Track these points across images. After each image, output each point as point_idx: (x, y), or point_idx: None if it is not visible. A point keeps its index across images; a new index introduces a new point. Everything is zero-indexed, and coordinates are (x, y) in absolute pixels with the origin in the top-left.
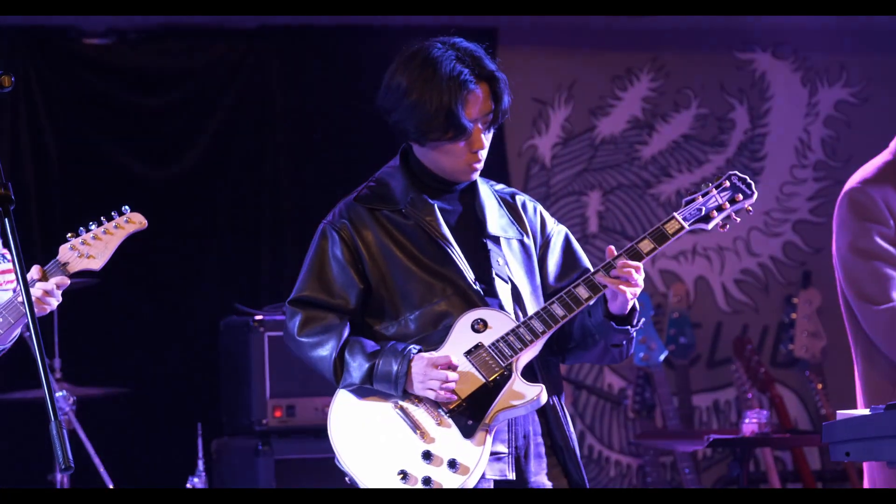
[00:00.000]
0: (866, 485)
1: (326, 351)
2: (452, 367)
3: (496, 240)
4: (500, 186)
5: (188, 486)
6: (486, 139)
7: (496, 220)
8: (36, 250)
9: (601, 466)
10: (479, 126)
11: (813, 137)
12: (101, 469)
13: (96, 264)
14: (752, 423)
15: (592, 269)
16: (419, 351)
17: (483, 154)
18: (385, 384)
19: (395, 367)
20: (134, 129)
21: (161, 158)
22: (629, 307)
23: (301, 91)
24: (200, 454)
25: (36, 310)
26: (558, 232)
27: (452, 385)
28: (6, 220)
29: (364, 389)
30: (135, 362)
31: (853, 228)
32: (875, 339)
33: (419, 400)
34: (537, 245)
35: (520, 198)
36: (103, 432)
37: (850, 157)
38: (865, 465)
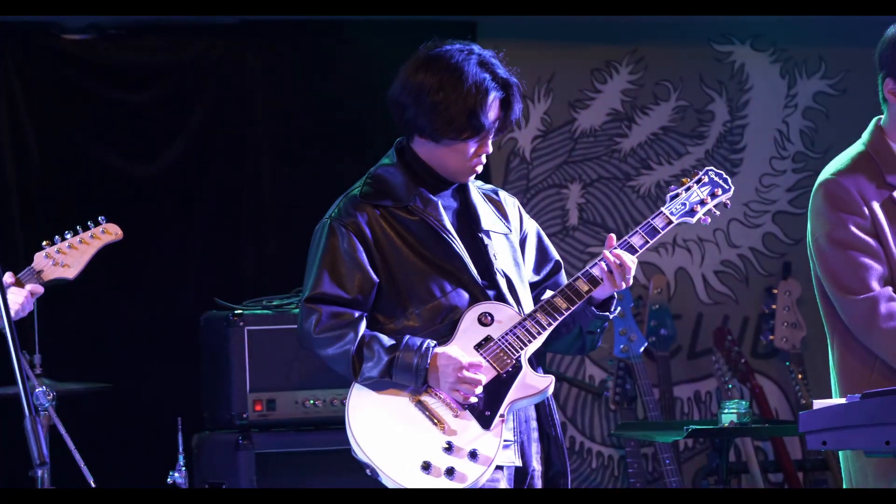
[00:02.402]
0: (844, 474)
1: (345, 347)
2: (477, 371)
3: (488, 235)
4: (479, 183)
5: (169, 481)
6: (491, 146)
7: (488, 215)
8: (17, 247)
9: (583, 458)
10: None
11: (792, 129)
12: (82, 465)
13: (70, 273)
14: (731, 414)
15: (563, 261)
16: (436, 345)
17: (485, 159)
18: (406, 376)
19: (415, 361)
20: (115, 126)
21: (142, 155)
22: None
23: (281, 87)
24: (181, 449)
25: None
26: (532, 227)
27: (481, 391)
28: None
29: (381, 383)
30: (116, 357)
31: (829, 219)
32: (853, 329)
33: (434, 392)
34: (518, 239)
35: (502, 194)
36: (84, 428)
37: (829, 148)
38: (840, 454)
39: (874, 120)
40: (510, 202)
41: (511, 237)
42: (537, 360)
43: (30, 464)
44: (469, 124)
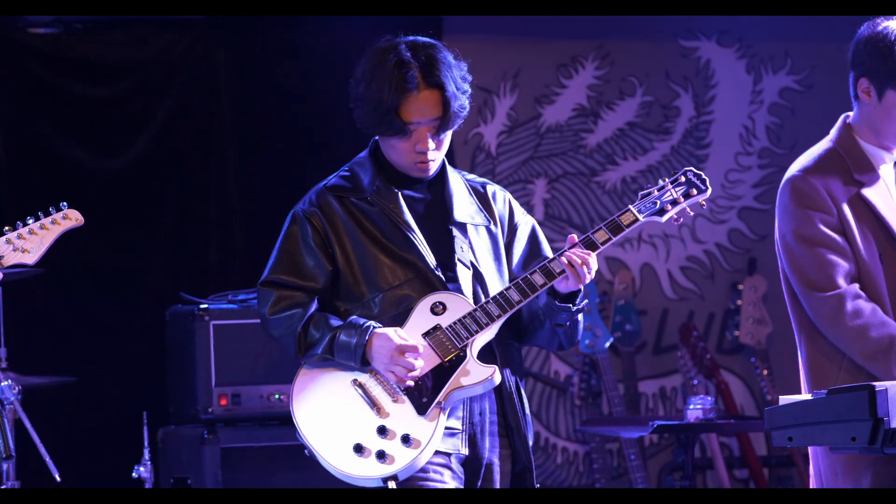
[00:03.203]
0: (811, 471)
1: (293, 325)
2: (416, 354)
3: (462, 226)
4: (471, 176)
5: (134, 475)
6: (436, 141)
7: (464, 207)
8: None
9: (548, 454)
10: (426, 127)
11: (758, 124)
12: (47, 458)
13: (30, 258)
14: (696, 410)
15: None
16: (378, 327)
17: (433, 154)
18: (345, 354)
19: (354, 339)
20: (81, 120)
21: (108, 149)
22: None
23: (247, 81)
24: (146, 443)
25: None
26: (525, 222)
27: (417, 374)
28: None
29: (325, 365)
30: (82, 351)
31: (796, 216)
32: (820, 326)
33: (377, 376)
34: (504, 233)
35: (490, 187)
36: (49, 422)
37: (794, 145)
38: (810, 451)
39: (842, 117)
40: (500, 195)
41: (492, 228)
42: (503, 356)
43: None
44: (386, 123)
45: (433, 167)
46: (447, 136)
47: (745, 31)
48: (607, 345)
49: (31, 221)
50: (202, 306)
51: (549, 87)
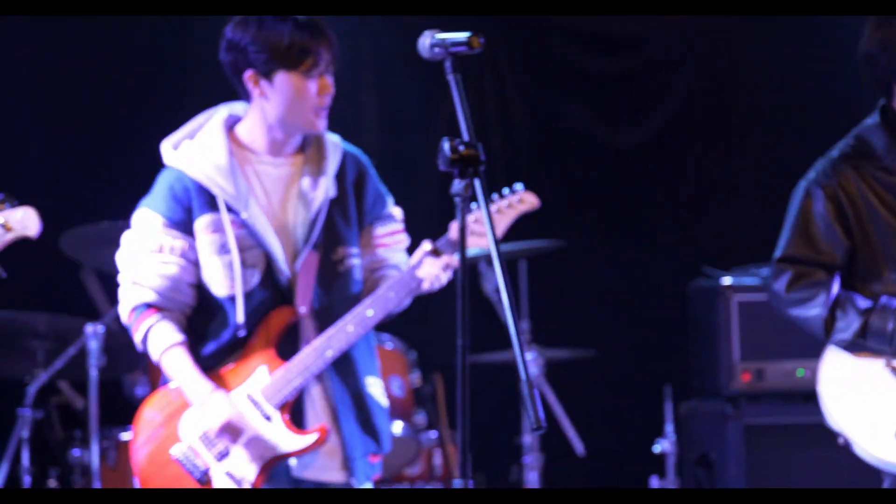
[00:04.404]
0: None
1: (817, 307)
2: None
3: None
4: None
5: (656, 449)
6: None
7: None
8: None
9: None
10: None
11: None
12: (571, 432)
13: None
14: None
15: None
16: None
17: None
18: (879, 339)
19: (891, 325)
20: (598, 95)
21: (626, 123)
22: None
23: (763, 57)
24: (669, 417)
25: (428, 284)
26: None
27: None
28: (476, 180)
29: (855, 347)
30: (601, 325)
31: None
32: None
33: None
34: None
35: None
36: (570, 394)
37: None
38: None
39: None
40: None
41: None
42: None
43: (515, 429)
44: None
45: None
46: None
47: None
48: None
49: (496, 198)
50: (725, 281)
51: None
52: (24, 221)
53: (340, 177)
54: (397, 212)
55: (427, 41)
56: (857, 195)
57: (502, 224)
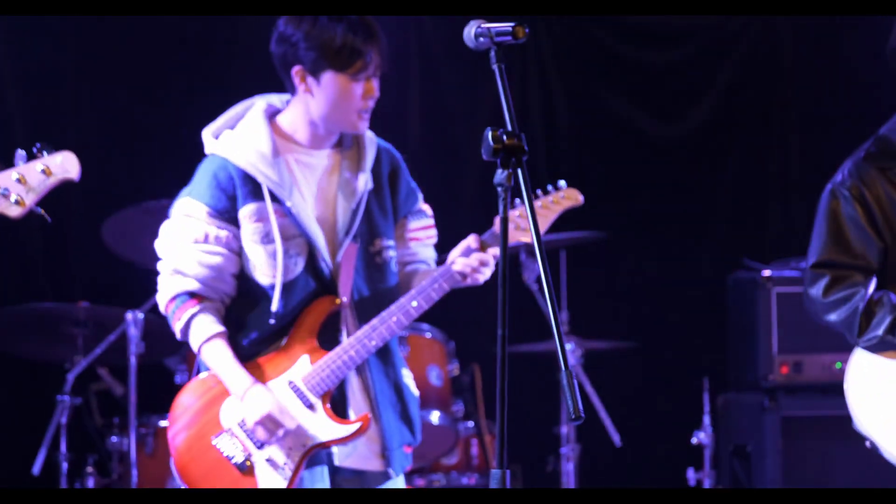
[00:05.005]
0: None
1: (853, 306)
2: None
3: None
4: None
5: (694, 440)
6: None
7: None
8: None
9: None
10: None
11: None
12: (608, 423)
13: (526, 237)
14: None
15: None
16: None
17: None
18: None
19: None
20: (642, 86)
21: (669, 115)
22: None
23: (812, 53)
24: (707, 409)
25: (470, 279)
26: None
27: None
28: (519, 170)
29: (884, 345)
30: (641, 316)
31: None
32: None
33: None
34: None
35: None
36: (609, 386)
37: None
38: None
39: None
40: None
41: None
42: None
43: (554, 419)
44: None
45: None
46: None
47: None
48: None
49: (540, 193)
50: (765, 273)
51: None
52: (65, 165)
53: (376, 170)
54: (427, 208)
55: (472, 30)
56: (883, 195)
57: (546, 220)
